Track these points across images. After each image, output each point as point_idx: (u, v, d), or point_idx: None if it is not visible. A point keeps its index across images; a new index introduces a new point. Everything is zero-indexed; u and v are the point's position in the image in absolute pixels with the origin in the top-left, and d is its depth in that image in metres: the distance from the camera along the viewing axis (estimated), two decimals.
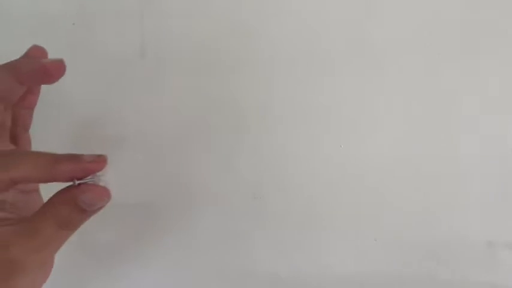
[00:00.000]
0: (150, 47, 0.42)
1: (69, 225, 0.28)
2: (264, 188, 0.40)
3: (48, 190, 0.29)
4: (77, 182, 0.28)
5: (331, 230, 0.38)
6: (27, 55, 0.33)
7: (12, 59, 0.44)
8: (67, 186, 0.28)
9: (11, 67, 0.31)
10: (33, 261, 0.27)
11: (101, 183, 0.28)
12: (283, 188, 0.39)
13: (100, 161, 0.28)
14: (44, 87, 0.35)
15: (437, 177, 0.35)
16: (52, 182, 0.28)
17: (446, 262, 0.34)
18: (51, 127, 0.44)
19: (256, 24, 0.40)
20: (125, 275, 0.42)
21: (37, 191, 0.33)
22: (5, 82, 0.31)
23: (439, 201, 0.35)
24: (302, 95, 0.39)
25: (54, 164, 0.27)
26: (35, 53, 0.34)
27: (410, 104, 0.36)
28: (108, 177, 0.28)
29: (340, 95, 0.38)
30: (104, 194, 0.28)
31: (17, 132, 0.34)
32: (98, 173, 0.28)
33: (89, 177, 0.28)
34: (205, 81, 0.41)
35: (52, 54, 0.44)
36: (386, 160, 0.37)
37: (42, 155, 0.28)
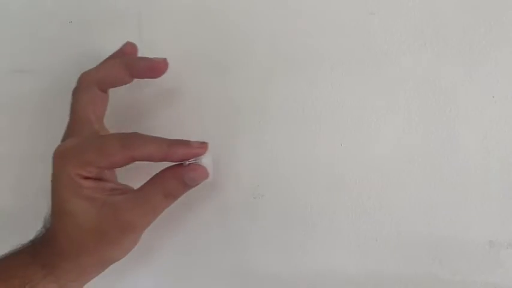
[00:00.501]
0: (148, 45, 0.41)
1: (172, 196, 0.35)
2: (263, 188, 0.40)
3: None
4: (187, 162, 0.34)
5: (331, 230, 0.38)
6: (122, 51, 0.39)
7: (10, 56, 0.44)
8: (174, 165, 0.34)
9: (128, 62, 0.36)
10: (141, 223, 0.34)
11: (202, 165, 0.34)
12: (283, 188, 0.39)
13: (204, 146, 0.34)
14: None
15: (438, 177, 0.35)
16: (165, 161, 0.34)
17: (447, 262, 0.34)
18: (47, 125, 0.44)
19: (255, 23, 0.39)
20: (124, 275, 0.42)
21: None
22: (121, 74, 0.36)
23: (440, 200, 0.35)
24: (302, 93, 0.38)
25: (171, 147, 0.33)
26: (129, 50, 0.39)
27: (412, 102, 0.36)
28: (207, 160, 0.35)
29: (341, 93, 0.37)
30: (205, 174, 0.35)
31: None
32: (200, 156, 0.34)
33: (192, 159, 0.34)
34: (204, 81, 0.41)
35: (49, 52, 0.44)
36: (388, 159, 0.36)
37: (160, 138, 0.34)
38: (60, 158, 0.34)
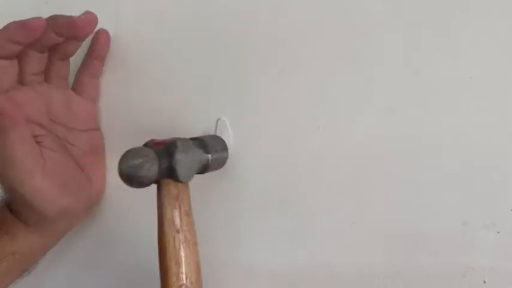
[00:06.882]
0: (126, 25, 0.41)
1: None
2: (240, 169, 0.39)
3: None
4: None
5: (308, 213, 0.38)
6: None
7: None
8: None
9: (51, 19, 0.36)
10: None
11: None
12: (259, 170, 0.39)
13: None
14: None
15: (414, 159, 0.34)
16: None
17: (422, 244, 0.34)
18: None
19: (233, 2, 0.39)
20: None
21: None
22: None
23: (415, 181, 0.34)
24: (279, 75, 0.38)
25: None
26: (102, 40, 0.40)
27: (390, 84, 0.35)
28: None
29: (319, 74, 0.37)
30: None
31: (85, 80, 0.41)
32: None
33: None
34: (182, 57, 0.40)
35: None
36: (365, 142, 0.36)
37: None
38: None
